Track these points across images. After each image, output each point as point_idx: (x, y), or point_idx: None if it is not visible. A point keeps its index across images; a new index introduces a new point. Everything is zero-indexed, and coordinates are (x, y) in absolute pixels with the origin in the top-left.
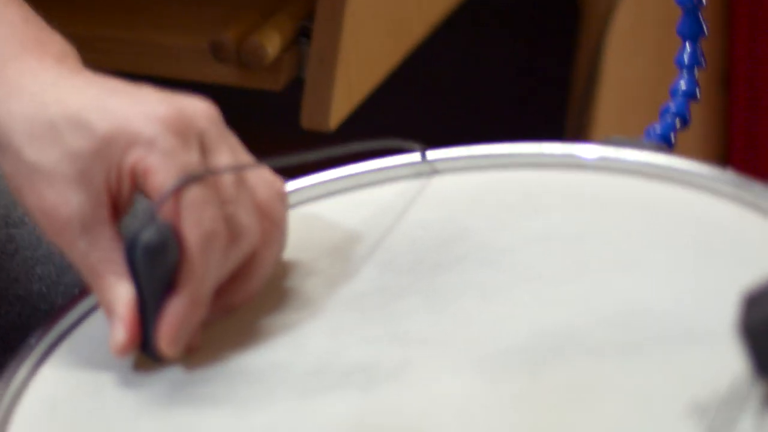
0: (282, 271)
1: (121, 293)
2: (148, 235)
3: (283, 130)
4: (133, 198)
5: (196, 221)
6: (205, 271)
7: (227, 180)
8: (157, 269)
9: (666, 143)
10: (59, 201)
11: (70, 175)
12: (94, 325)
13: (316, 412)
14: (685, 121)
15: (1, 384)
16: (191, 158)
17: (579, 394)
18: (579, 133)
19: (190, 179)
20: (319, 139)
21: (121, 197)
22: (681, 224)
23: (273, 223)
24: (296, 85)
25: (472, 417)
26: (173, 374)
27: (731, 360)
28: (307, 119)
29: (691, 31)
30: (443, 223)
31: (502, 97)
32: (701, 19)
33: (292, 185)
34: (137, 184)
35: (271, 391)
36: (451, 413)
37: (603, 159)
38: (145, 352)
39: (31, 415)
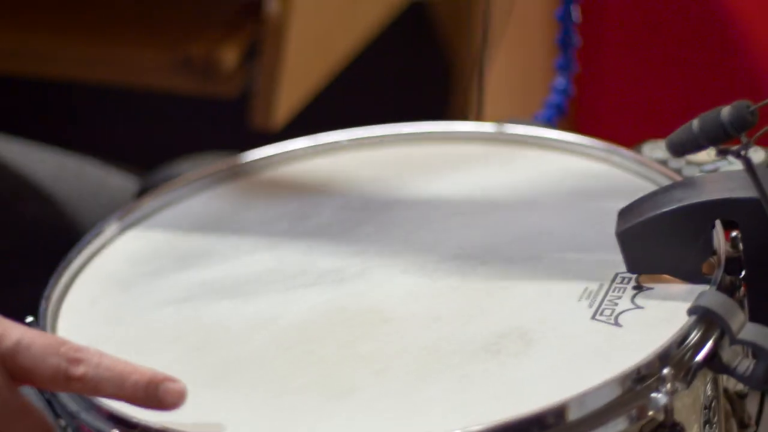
0: (266, 211)
1: None
2: None
3: (232, 131)
4: None
5: None
6: None
7: None
8: None
9: (550, 124)
10: None
11: None
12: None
13: (298, 300)
14: (562, 111)
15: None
16: None
17: (498, 286)
18: None
19: None
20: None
21: None
22: (566, 177)
23: None
24: (244, 94)
25: (418, 300)
26: (192, 276)
27: (613, 261)
28: (257, 121)
29: (566, 42)
30: (384, 179)
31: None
32: (574, 34)
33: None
34: None
35: (265, 288)
36: (403, 298)
37: (503, 133)
38: None
39: (75, 307)
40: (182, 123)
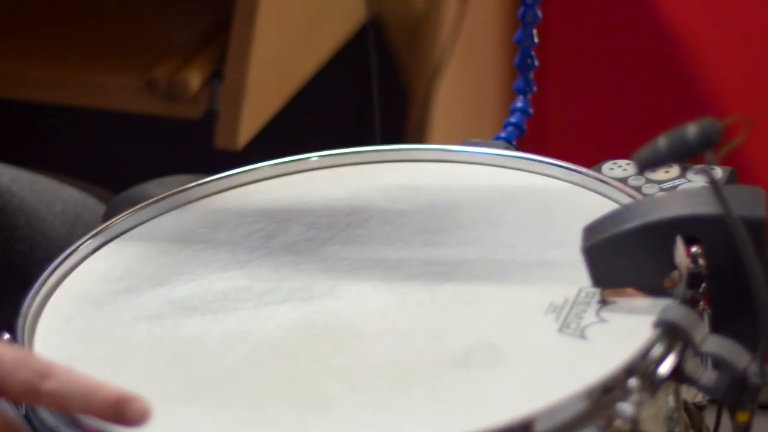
0: (234, 229)
1: None
2: None
3: (196, 151)
4: None
5: None
6: None
7: None
8: None
9: (510, 145)
10: None
11: None
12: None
13: (267, 317)
14: (522, 131)
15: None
16: None
17: (466, 302)
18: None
19: None
20: (229, 156)
21: None
22: (528, 195)
23: None
24: (208, 115)
25: (388, 316)
26: (163, 293)
27: (577, 277)
28: (221, 141)
29: (525, 65)
30: (350, 198)
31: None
32: (533, 57)
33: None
34: None
35: (234, 305)
36: (372, 314)
37: (467, 153)
38: None
39: (51, 324)
40: (147, 144)
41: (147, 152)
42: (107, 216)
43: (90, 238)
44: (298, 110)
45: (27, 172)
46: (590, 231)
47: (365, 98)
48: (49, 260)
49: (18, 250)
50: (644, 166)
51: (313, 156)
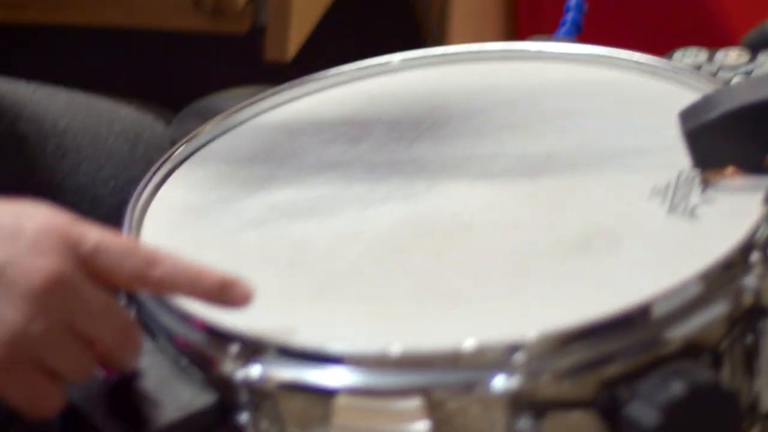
0: (316, 136)
1: None
2: None
3: (245, 65)
4: None
5: None
6: None
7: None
8: None
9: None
10: None
11: None
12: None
13: (374, 216)
14: (579, 28)
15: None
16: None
17: (569, 191)
18: None
19: None
20: (277, 69)
21: None
22: (604, 87)
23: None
24: (254, 30)
25: (494, 209)
26: (262, 200)
27: (673, 161)
28: (270, 53)
29: None
30: (428, 98)
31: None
32: None
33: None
34: None
35: (337, 207)
36: (477, 208)
37: (537, 49)
38: None
39: (156, 235)
40: (194, 61)
41: (195, 70)
42: (176, 130)
43: (175, 152)
44: (338, 18)
45: (80, 94)
46: (687, 115)
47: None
48: (116, 178)
49: (85, 170)
50: (754, 46)
51: (394, 57)
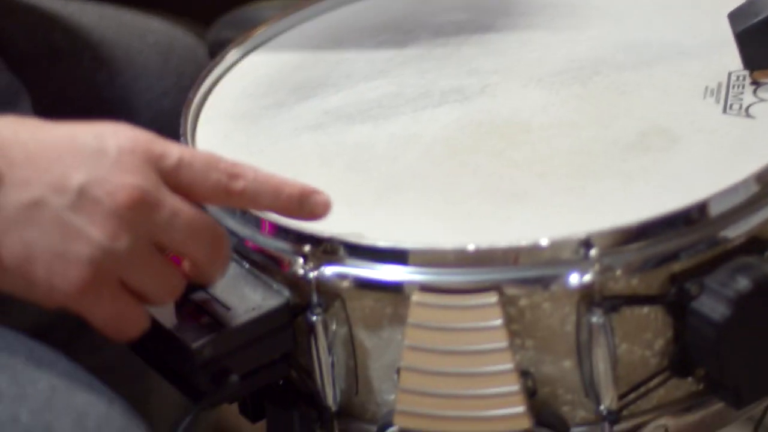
0: (361, 42)
1: None
2: None
3: None
4: None
5: None
6: None
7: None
8: None
9: None
10: None
11: None
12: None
13: (430, 119)
14: None
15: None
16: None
17: (621, 91)
18: None
19: None
20: None
21: None
22: None
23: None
24: None
25: (548, 110)
26: (315, 105)
27: (722, 62)
28: None
29: None
30: (469, 2)
31: None
32: None
33: None
34: None
35: (392, 111)
36: (532, 109)
37: None
38: None
39: (209, 142)
40: None
41: None
42: (213, 40)
43: (227, 54)
44: None
45: (109, 6)
46: (737, 16)
47: None
48: (151, 90)
49: (120, 83)
50: None
51: None
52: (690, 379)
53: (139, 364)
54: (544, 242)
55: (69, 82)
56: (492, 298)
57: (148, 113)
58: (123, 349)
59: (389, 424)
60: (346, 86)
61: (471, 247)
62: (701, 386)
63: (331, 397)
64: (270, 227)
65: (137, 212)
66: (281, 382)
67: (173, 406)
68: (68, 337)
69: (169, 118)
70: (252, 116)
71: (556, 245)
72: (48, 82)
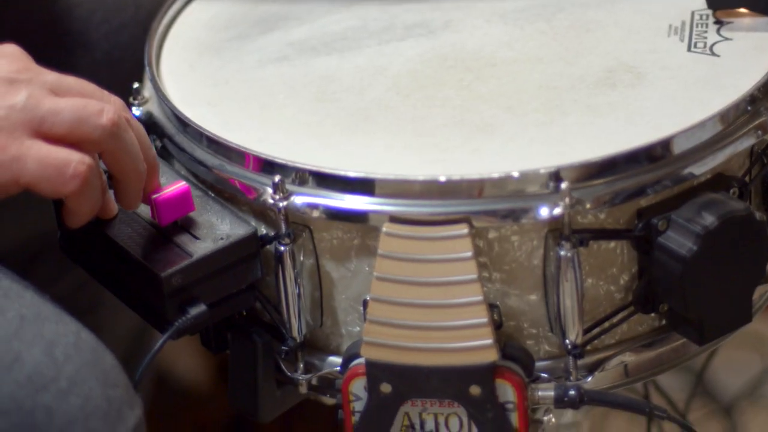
0: None
1: None
2: None
3: None
4: None
5: None
6: None
7: None
8: None
9: None
10: None
11: None
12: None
13: (395, 52)
14: None
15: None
16: None
17: (586, 29)
18: None
19: None
20: None
21: None
22: None
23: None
24: None
25: (513, 46)
26: (278, 38)
27: (685, 1)
28: None
29: None
30: None
31: None
32: None
33: None
34: None
35: (356, 44)
36: (497, 45)
37: None
38: None
39: (175, 72)
40: None
41: None
42: None
43: None
44: None
45: None
46: None
47: None
48: (108, 22)
49: (77, 15)
50: None
51: None
52: (653, 315)
53: (90, 298)
54: (515, 174)
55: (26, 15)
56: (462, 229)
57: (105, 45)
58: (75, 282)
59: (356, 356)
60: (309, 19)
61: (442, 178)
62: (663, 322)
63: (296, 329)
64: (239, 156)
65: (26, 73)
66: (245, 313)
67: (124, 340)
68: (21, 269)
69: (127, 51)
70: (215, 48)
71: (526, 177)
72: (4, 15)
